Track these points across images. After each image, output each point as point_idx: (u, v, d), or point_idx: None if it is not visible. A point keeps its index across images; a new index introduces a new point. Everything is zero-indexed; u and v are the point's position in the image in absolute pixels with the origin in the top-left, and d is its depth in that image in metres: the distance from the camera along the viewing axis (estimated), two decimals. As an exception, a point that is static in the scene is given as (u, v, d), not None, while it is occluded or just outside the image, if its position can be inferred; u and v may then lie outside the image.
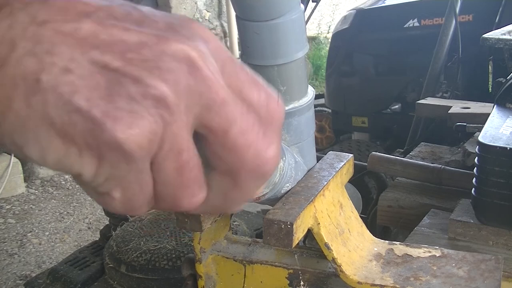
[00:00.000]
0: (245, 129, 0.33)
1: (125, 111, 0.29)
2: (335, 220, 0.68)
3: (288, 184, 0.67)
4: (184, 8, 5.51)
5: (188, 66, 0.31)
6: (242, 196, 0.36)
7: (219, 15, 5.87)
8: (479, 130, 0.87)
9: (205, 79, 0.31)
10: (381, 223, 1.09)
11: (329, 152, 0.78)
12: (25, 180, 3.78)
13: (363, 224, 0.74)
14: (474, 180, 0.80)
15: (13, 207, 3.51)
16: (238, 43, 5.46)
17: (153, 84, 0.30)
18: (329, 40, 3.35)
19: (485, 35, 1.11)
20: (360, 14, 2.76)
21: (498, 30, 1.16)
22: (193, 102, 0.31)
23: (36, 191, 3.71)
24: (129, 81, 0.29)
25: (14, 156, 3.55)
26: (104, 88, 0.29)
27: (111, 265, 1.13)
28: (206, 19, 5.76)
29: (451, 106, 1.38)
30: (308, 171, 0.73)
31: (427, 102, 1.56)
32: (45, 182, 3.83)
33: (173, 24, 0.32)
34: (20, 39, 0.29)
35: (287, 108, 0.71)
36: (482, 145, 0.77)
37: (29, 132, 0.29)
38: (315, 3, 2.48)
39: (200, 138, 0.33)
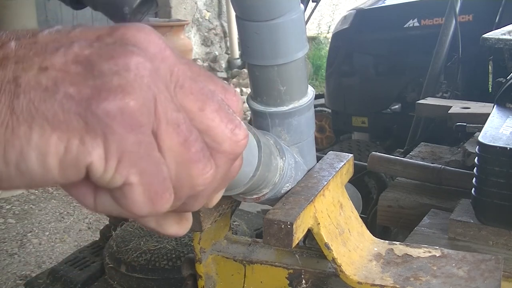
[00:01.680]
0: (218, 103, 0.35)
1: (114, 85, 0.30)
2: (335, 220, 0.68)
3: (288, 184, 0.67)
4: (184, 8, 5.51)
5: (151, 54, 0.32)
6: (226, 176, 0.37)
7: (219, 15, 5.87)
8: (479, 130, 0.87)
9: (165, 58, 0.33)
10: (381, 223, 1.09)
11: (329, 152, 0.78)
12: (25, 180, 3.76)
13: (363, 224, 0.74)
14: (474, 180, 0.79)
15: (13, 207, 3.50)
16: (238, 43, 5.47)
17: (128, 61, 0.30)
18: (329, 40, 3.35)
19: (485, 35, 1.11)
20: (360, 14, 2.76)
21: (498, 30, 1.16)
22: (165, 82, 0.32)
23: (36, 191, 3.70)
24: (104, 62, 0.30)
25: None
26: (84, 73, 0.30)
27: (111, 265, 1.13)
28: (206, 19, 5.76)
29: (451, 106, 1.38)
30: (308, 171, 0.73)
31: (427, 102, 1.56)
32: (45, 182, 3.81)
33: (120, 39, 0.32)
34: None
35: (287, 108, 0.71)
36: (482, 145, 0.77)
37: (21, 139, 0.28)
38: (315, 3, 2.47)
39: None
